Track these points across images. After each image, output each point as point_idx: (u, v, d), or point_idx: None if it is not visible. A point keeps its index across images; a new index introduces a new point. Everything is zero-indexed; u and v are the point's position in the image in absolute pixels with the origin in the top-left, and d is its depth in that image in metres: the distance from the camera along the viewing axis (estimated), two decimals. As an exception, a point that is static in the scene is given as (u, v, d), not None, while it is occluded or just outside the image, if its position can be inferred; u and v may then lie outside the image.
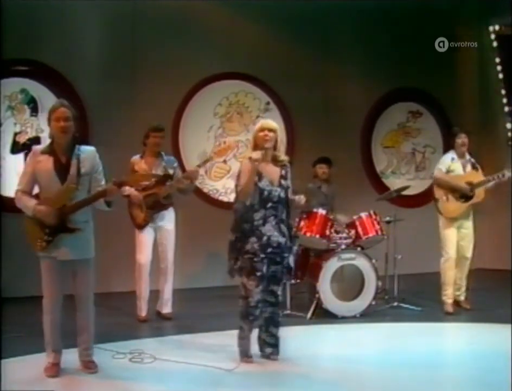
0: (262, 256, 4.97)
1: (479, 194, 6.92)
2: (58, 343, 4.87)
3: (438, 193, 7.11)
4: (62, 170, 4.71)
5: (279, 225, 5.06)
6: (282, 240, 5.07)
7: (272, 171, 5.09)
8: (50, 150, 4.75)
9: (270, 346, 5.21)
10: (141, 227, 6.61)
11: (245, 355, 5.14)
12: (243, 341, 5.14)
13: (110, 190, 4.70)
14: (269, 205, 5.03)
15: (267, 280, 5.09)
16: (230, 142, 7.09)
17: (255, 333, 5.24)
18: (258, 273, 4.98)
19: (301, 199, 5.18)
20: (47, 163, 4.71)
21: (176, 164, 6.81)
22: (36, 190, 4.89)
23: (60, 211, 4.66)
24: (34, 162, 4.75)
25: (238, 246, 5.06)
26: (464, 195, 6.94)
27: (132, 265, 6.70)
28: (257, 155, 4.95)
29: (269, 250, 5.01)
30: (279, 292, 5.21)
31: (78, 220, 4.75)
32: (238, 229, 5.07)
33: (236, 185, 5.14)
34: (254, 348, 5.25)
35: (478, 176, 6.97)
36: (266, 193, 5.02)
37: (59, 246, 4.71)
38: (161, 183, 6.52)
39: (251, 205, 5.01)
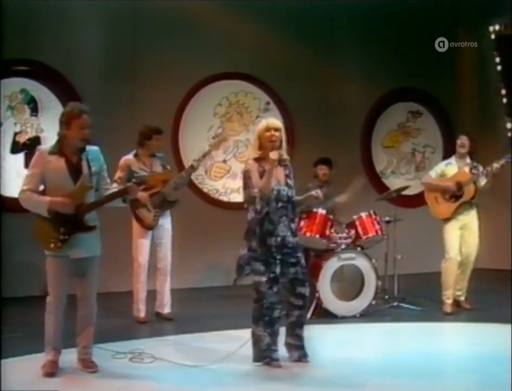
0: (279, 257, 4.93)
1: (469, 191, 6.88)
2: (59, 342, 4.87)
3: (428, 197, 7.17)
4: (74, 170, 4.72)
5: (290, 225, 5.03)
6: (294, 240, 5.05)
7: (278, 171, 5.06)
8: (58, 151, 4.73)
9: (299, 349, 5.13)
10: (151, 227, 6.56)
11: (259, 359, 5.02)
12: (257, 345, 5.01)
13: (132, 189, 4.78)
14: (280, 204, 4.99)
15: (292, 283, 5.01)
16: (223, 133, 7.11)
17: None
18: (272, 275, 4.93)
19: (318, 193, 5.11)
20: (58, 163, 4.70)
21: (164, 160, 6.76)
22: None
23: (77, 210, 4.68)
24: (43, 163, 4.72)
25: (253, 248, 4.97)
26: (453, 195, 6.94)
27: (130, 265, 6.68)
28: (274, 155, 4.89)
29: (284, 250, 4.97)
30: (307, 294, 5.12)
31: (89, 219, 4.79)
32: (254, 232, 4.97)
33: (249, 189, 5.00)
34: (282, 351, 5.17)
35: (467, 175, 6.94)
36: (275, 192, 4.98)
37: (73, 245, 4.72)
38: (163, 181, 6.51)
39: (264, 205, 4.95)
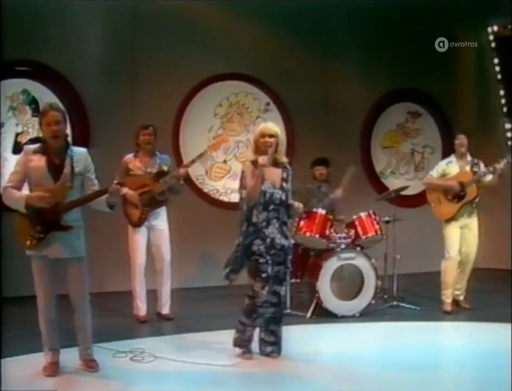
0: (268, 257, 5.02)
1: (471, 192, 6.91)
2: (55, 342, 4.88)
3: (430, 197, 7.18)
4: (55, 169, 4.72)
5: (281, 227, 5.10)
6: (285, 242, 5.11)
7: (274, 174, 5.12)
8: (42, 150, 4.76)
9: (270, 345, 5.24)
10: (137, 225, 6.59)
11: (240, 348, 5.23)
12: (240, 334, 5.22)
13: (113, 190, 4.71)
14: (272, 207, 5.06)
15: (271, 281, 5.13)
16: (223, 135, 7.22)
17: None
18: (264, 275, 5.02)
19: (299, 207, 5.19)
20: (40, 161, 4.72)
21: (170, 163, 6.79)
22: (25, 190, 4.86)
23: (54, 209, 4.67)
24: (26, 161, 4.75)
25: (242, 250, 5.08)
26: (456, 196, 6.96)
27: (130, 264, 6.70)
28: (263, 160, 4.97)
29: (273, 251, 5.06)
30: (282, 293, 5.25)
31: (70, 219, 4.76)
32: (244, 232, 5.08)
33: (240, 189, 5.15)
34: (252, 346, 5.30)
35: (469, 176, 6.96)
36: (268, 195, 5.05)
37: (50, 244, 4.71)
38: (155, 180, 6.54)
39: (255, 207, 5.03)
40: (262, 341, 5.28)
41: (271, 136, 5.08)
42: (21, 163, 4.78)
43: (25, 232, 4.72)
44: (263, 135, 5.09)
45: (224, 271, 5.18)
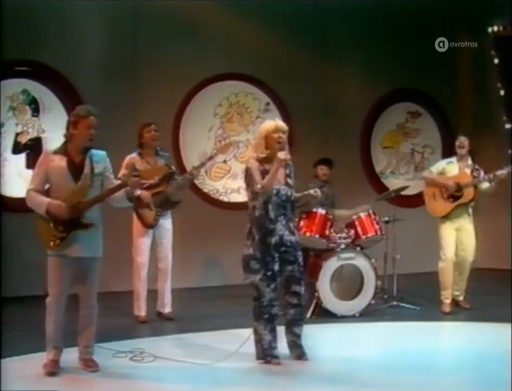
0: (276, 254, 4.99)
1: (468, 194, 6.91)
2: (60, 341, 4.89)
3: (426, 192, 7.20)
4: (75, 169, 4.79)
5: (288, 224, 5.08)
6: (293, 238, 5.09)
7: (278, 170, 5.10)
8: (63, 151, 4.83)
9: (298, 347, 5.18)
10: (151, 226, 6.58)
11: (262, 357, 5.09)
12: (260, 343, 5.08)
13: (133, 182, 4.77)
14: (278, 203, 5.06)
15: (287, 281, 5.09)
16: (231, 140, 7.23)
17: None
18: (269, 273, 4.99)
19: (317, 192, 5.14)
20: (60, 162, 4.79)
21: (170, 161, 6.81)
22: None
23: (74, 208, 4.72)
24: (46, 162, 4.82)
25: (256, 241, 5.02)
26: (452, 195, 6.96)
27: (131, 264, 6.70)
28: (282, 155, 4.93)
29: (283, 248, 5.03)
30: (302, 292, 5.17)
31: (91, 218, 4.82)
32: (256, 230, 5.03)
33: (249, 186, 5.05)
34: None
35: (468, 178, 6.95)
36: (274, 191, 5.02)
37: (72, 243, 4.76)
38: (166, 180, 6.53)
39: (263, 204, 5.00)
40: (289, 344, 5.19)
41: (284, 132, 5.08)
42: (42, 165, 4.85)
43: (48, 233, 4.77)
44: (277, 130, 5.04)
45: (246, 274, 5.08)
